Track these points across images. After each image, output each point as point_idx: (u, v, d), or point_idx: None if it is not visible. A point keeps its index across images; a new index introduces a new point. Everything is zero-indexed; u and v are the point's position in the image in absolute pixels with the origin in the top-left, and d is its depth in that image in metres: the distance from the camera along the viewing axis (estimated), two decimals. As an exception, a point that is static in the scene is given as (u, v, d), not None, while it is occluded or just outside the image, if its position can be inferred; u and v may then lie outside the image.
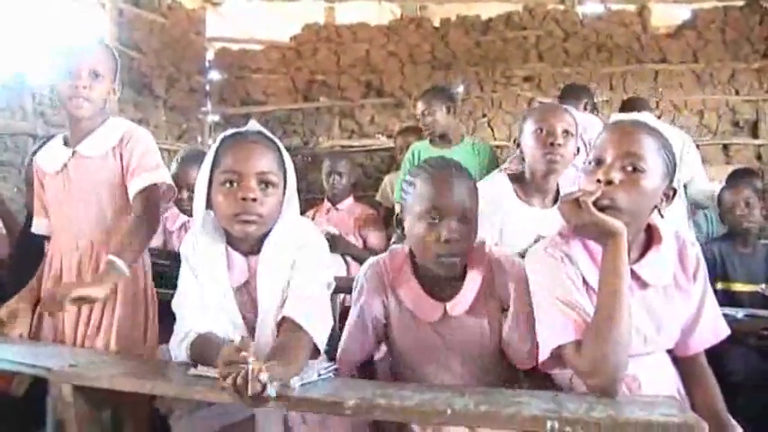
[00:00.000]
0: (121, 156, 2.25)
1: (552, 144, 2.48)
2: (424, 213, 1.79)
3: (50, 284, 2.24)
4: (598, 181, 1.60)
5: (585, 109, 4.32)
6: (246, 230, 1.80)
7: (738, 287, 3.50)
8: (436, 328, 1.88)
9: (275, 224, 1.86)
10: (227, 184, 1.80)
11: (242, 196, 1.77)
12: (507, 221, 2.47)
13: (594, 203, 1.58)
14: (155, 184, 2.23)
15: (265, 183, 1.81)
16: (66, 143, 2.32)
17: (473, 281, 1.87)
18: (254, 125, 1.91)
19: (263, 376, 1.36)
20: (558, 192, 2.58)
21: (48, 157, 2.33)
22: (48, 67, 2.45)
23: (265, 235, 1.86)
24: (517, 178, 2.62)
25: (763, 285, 3.51)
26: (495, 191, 2.57)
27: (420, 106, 4.15)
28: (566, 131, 2.52)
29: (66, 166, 2.26)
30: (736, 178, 4.51)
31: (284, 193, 1.88)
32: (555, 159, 2.48)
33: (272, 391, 1.37)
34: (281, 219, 1.87)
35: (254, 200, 1.77)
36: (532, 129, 2.55)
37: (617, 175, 1.60)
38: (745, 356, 3.05)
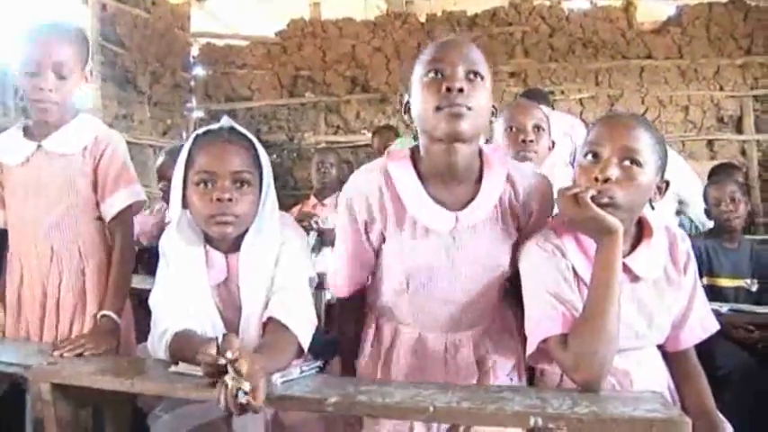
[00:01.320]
0: (96, 161, 2.11)
1: (524, 141, 2.46)
2: (427, 71, 1.66)
3: (14, 287, 2.14)
4: (596, 179, 1.59)
5: None
6: (223, 231, 1.78)
7: (724, 282, 3.52)
8: (447, 239, 1.74)
9: (253, 222, 1.84)
10: (202, 185, 1.77)
11: (217, 197, 1.74)
12: None
13: (595, 199, 1.56)
14: (130, 205, 2.14)
15: (240, 182, 1.78)
16: (27, 134, 2.13)
17: (493, 184, 1.73)
18: (227, 121, 1.88)
19: (246, 386, 1.34)
20: None
21: (7, 148, 2.14)
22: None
23: (244, 233, 1.85)
24: None
25: (749, 280, 3.53)
26: None
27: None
28: (537, 127, 2.50)
29: (28, 160, 2.09)
30: (719, 174, 4.54)
31: (261, 190, 1.86)
32: (528, 157, 2.45)
33: (242, 395, 1.35)
34: (259, 216, 1.84)
35: (230, 200, 1.75)
36: (503, 127, 2.53)
37: (614, 172, 1.58)
38: (732, 351, 3.06)
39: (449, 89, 1.59)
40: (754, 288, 3.52)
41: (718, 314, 2.86)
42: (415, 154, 1.76)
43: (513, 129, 2.49)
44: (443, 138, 1.63)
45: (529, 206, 1.76)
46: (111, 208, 2.11)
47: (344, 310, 2.06)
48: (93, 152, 2.12)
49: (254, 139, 1.87)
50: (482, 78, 1.66)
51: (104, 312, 2.00)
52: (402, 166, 1.74)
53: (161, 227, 3.59)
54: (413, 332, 1.87)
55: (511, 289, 1.88)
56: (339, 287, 1.96)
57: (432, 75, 1.65)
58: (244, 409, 1.36)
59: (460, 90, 1.59)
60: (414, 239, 1.75)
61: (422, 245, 1.75)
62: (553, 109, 4.25)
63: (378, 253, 1.85)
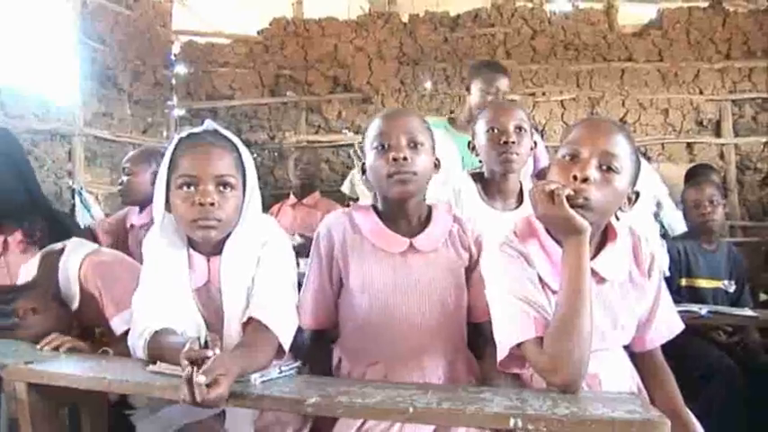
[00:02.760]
0: None
1: (506, 143, 2.46)
2: (376, 144, 1.95)
3: None
4: (574, 177, 1.60)
5: None
6: (207, 235, 1.79)
7: (702, 283, 3.56)
8: (403, 260, 1.98)
9: (236, 225, 1.83)
10: (185, 188, 1.78)
11: (200, 201, 1.74)
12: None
13: (570, 199, 1.57)
14: None
15: (223, 185, 1.78)
16: None
17: (440, 221, 2.03)
18: (210, 124, 1.87)
19: (201, 378, 1.34)
20: (521, 193, 2.56)
21: None
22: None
23: (227, 236, 1.84)
24: (480, 178, 2.59)
25: (726, 282, 3.57)
26: (457, 187, 2.56)
27: (505, 83, 3.71)
28: (518, 128, 2.50)
29: None
30: (698, 176, 4.58)
31: (244, 193, 1.85)
32: (510, 158, 2.47)
33: (201, 378, 1.35)
34: (242, 219, 1.83)
35: (212, 204, 1.75)
36: (484, 129, 2.53)
37: (593, 173, 1.59)
38: (709, 352, 3.09)
39: (395, 159, 1.89)
40: (732, 289, 3.56)
41: (696, 316, 2.91)
42: (375, 205, 2.07)
43: (495, 130, 2.49)
44: (396, 198, 1.95)
45: (477, 243, 2.04)
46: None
47: (313, 345, 2.13)
48: None
49: (238, 142, 1.87)
50: (422, 144, 1.96)
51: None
52: (364, 210, 2.06)
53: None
54: (380, 371, 1.94)
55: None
56: (303, 317, 2.03)
57: (380, 146, 1.94)
58: (196, 401, 1.36)
59: (405, 159, 1.89)
60: (371, 263, 1.97)
61: (377, 267, 1.96)
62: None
63: (339, 294, 2.05)
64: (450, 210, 2.09)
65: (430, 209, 2.06)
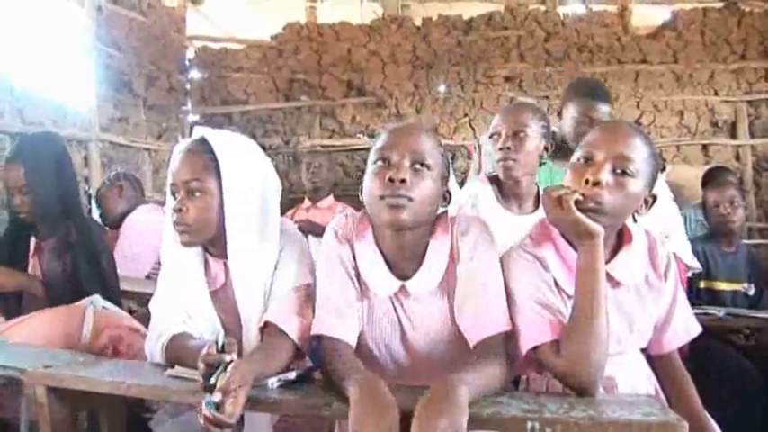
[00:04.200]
0: None
1: (501, 149, 2.43)
2: (376, 159, 1.72)
3: None
4: (586, 181, 1.59)
5: None
6: (181, 240, 1.83)
7: (721, 285, 3.55)
8: (387, 304, 1.78)
9: (225, 228, 1.82)
10: (171, 195, 1.85)
11: (174, 207, 1.81)
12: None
13: (580, 203, 1.57)
14: None
15: (190, 191, 1.81)
16: None
17: (437, 258, 1.76)
18: (197, 132, 1.90)
19: (215, 396, 1.37)
20: (538, 195, 2.52)
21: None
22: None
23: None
24: (497, 180, 2.57)
25: (746, 284, 3.54)
26: (474, 191, 2.54)
27: (605, 111, 3.06)
28: (518, 132, 2.43)
29: None
30: (717, 178, 4.54)
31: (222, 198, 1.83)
32: (508, 165, 2.42)
33: (210, 400, 1.36)
34: (231, 222, 1.82)
35: (179, 210, 1.80)
36: (489, 134, 2.53)
37: (606, 177, 1.59)
38: (729, 355, 3.07)
39: (391, 179, 1.63)
40: (751, 292, 3.54)
41: (715, 318, 2.89)
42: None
43: (494, 136, 2.49)
44: (386, 226, 1.70)
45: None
46: None
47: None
48: None
49: (219, 147, 1.84)
50: (428, 168, 1.69)
51: None
52: (366, 242, 1.79)
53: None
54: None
55: None
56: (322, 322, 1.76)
57: (379, 163, 1.70)
58: (210, 420, 1.36)
59: (402, 181, 1.63)
60: (366, 300, 1.79)
61: (367, 306, 1.79)
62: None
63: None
64: (449, 225, 1.80)
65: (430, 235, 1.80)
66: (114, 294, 2.57)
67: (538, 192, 2.51)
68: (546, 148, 2.52)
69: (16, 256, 2.62)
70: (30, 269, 2.61)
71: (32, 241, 2.62)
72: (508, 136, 2.43)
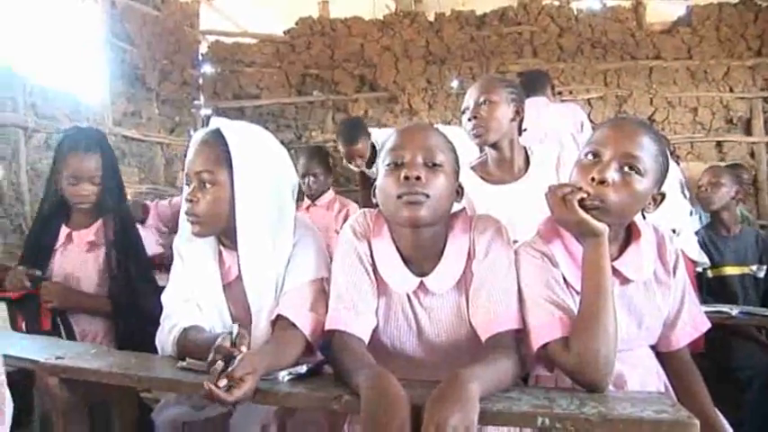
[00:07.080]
0: None
1: (470, 119, 2.51)
2: (389, 160, 1.73)
3: None
4: (592, 179, 1.59)
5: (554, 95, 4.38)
6: (192, 230, 1.84)
7: (728, 270, 3.57)
8: (404, 301, 1.79)
9: (236, 219, 1.81)
10: (186, 185, 1.85)
11: (186, 197, 1.81)
12: (472, 204, 2.41)
13: (585, 202, 1.56)
14: None
15: (202, 182, 1.81)
16: None
17: (455, 255, 1.77)
18: (213, 123, 1.89)
19: (221, 382, 1.40)
20: (527, 160, 2.55)
21: None
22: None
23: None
24: (480, 165, 2.61)
25: (755, 267, 3.55)
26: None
27: None
28: (483, 102, 2.51)
29: None
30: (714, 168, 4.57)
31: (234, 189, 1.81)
32: (478, 133, 2.50)
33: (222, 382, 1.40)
34: (241, 212, 1.81)
35: (190, 201, 1.80)
36: (462, 113, 2.60)
37: (612, 175, 1.58)
38: (752, 352, 3.05)
39: (407, 177, 1.65)
40: (761, 274, 3.55)
41: (727, 317, 2.87)
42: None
43: (465, 112, 2.56)
44: (404, 224, 1.71)
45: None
46: None
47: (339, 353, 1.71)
48: None
49: (232, 137, 1.82)
50: (441, 164, 1.71)
51: None
52: (383, 239, 1.81)
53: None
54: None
55: None
56: (336, 317, 1.76)
57: (393, 163, 1.72)
58: (209, 396, 1.39)
59: (418, 178, 1.65)
60: (382, 297, 1.80)
61: (384, 303, 1.80)
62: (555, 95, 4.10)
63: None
64: (468, 223, 1.82)
65: (448, 232, 1.81)
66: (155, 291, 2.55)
67: (526, 155, 2.56)
68: (517, 111, 2.56)
69: (44, 241, 2.61)
70: (57, 256, 2.58)
71: (63, 230, 2.60)
72: (476, 106, 2.51)
